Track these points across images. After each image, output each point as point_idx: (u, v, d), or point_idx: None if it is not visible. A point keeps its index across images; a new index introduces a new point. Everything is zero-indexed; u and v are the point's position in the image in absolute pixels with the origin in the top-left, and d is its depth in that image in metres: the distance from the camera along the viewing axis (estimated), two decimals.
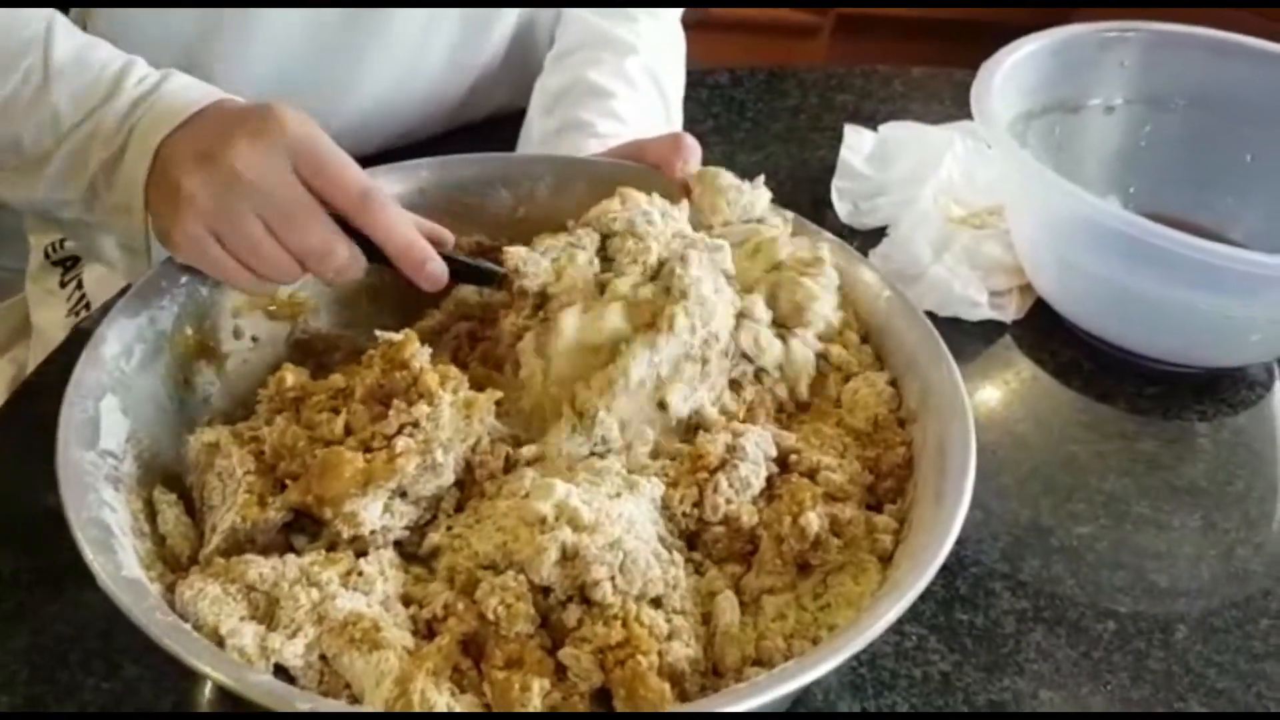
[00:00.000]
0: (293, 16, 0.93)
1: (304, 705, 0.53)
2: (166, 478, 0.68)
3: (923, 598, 0.58)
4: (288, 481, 0.65)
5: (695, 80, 1.13)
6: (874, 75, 1.28)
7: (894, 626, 0.56)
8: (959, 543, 0.59)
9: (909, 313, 0.74)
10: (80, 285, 1.05)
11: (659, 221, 0.73)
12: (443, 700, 0.56)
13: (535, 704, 0.56)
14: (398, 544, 0.65)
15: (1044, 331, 0.97)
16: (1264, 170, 1.04)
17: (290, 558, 0.62)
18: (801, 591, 0.63)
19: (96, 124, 0.72)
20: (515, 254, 0.73)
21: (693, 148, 0.79)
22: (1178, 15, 1.07)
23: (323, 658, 0.58)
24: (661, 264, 0.72)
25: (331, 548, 0.64)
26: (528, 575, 0.60)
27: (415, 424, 0.65)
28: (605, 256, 0.74)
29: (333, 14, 0.94)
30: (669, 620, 0.60)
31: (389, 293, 0.77)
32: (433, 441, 0.64)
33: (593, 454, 0.68)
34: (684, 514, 0.65)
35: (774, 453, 0.68)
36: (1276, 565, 0.81)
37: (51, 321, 1.05)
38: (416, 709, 0.55)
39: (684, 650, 0.59)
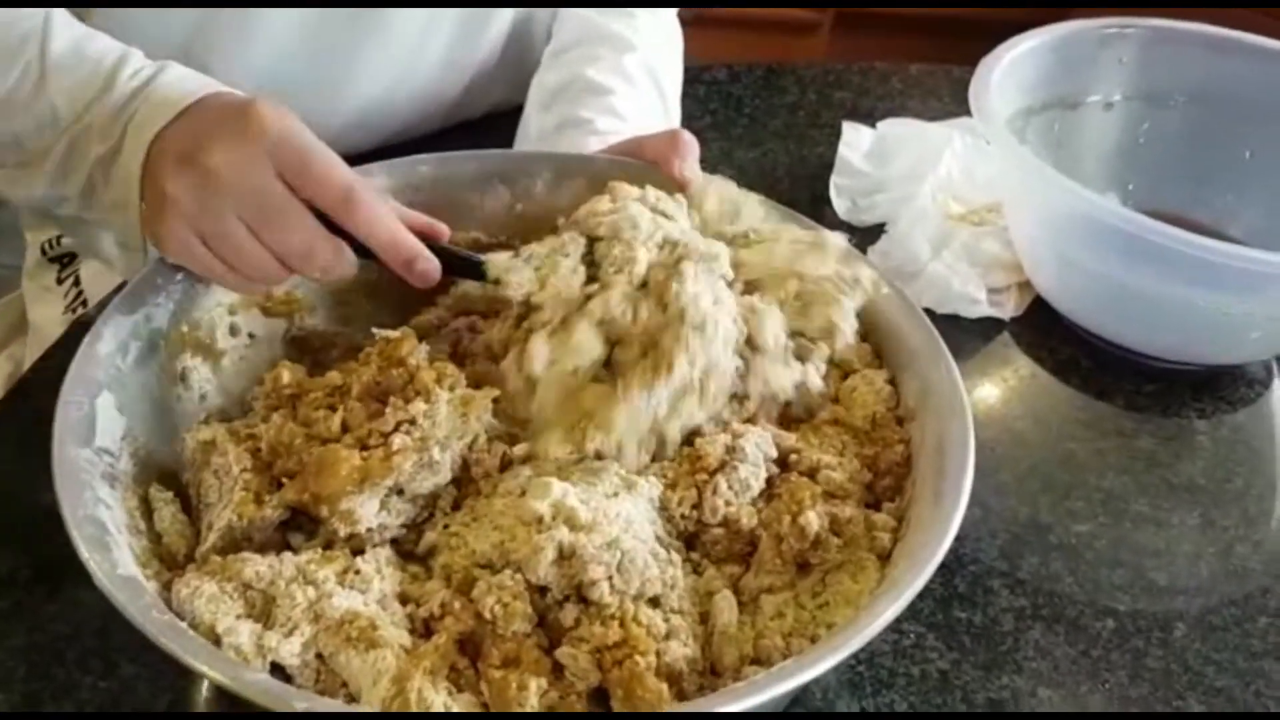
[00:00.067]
0: (290, 16, 0.92)
1: (301, 704, 0.53)
2: (163, 475, 0.68)
3: (921, 595, 0.58)
4: (284, 479, 0.65)
5: (693, 76, 1.13)
6: (872, 72, 1.28)
7: (892, 625, 0.56)
8: (957, 540, 0.59)
9: (907, 310, 0.74)
10: (77, 282, 1.05)
11: (646, 226, 0.70)
12: (440, 699, 0.56)
13: (532, 703, 0.56)
14: (394, 542, 0.65)
15: (1043, 329, 0.97)
16: (1263, 167, 1.04)
17: (287, 556, 0.62)
18: (800, 590, 0.63)
19: (93, 119, 0.72)
20: (498, 263, 0.70)
21: (691, 144, 0.79)
22: (1177, 12, 1.06)
23: (319, 656, 0.58)
24: (650, 271, 0.69)
25: (328, 546, 0.64)
26: (525, 575, 0.60)
27: (412, 421, 0.65)
28: (592, 261, 0.70)
29: (330, 13, 0.94)
30: (667, 620, 0.59)
31: (387, 289, 0.77)
32: (429, 439, 0.64)
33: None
34: (682, 516, 0.65)
35: (774, 454, 0.68)
36: (1275, 563, 0.81)
37: (48, 318, 1.05)
38: (413, 708, 0.55)
39: (682, 650, 0.59)
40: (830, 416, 0.72)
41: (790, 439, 0.69)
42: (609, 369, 0.68)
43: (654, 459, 0.68)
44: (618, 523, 0.61)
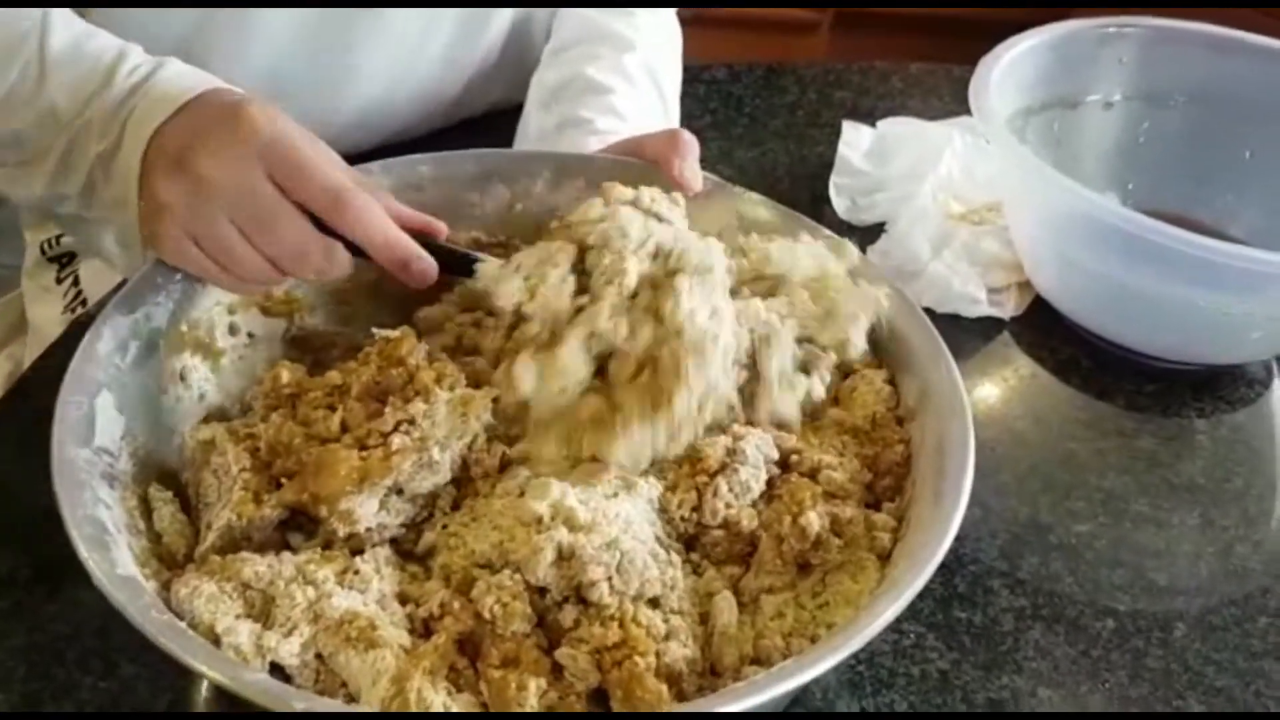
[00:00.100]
0: (289, 16, 0.92)
1: (300, 704, 0.53)
2: (162, 475, 0.68)
3: (921, 595, 0.58)
4: (283, 479, 0.65)
5: (693, 76, 1.13)
6: (872, 71, 1.28)
7: (892, 625, 0.56)
8: (957, 540, 0.59)
9: (907, 310, 0.74)
10: (76, 281, 1.05)
11: (637, 234, 0.68)
12: (439, 699, 0.56)
13: (532, 703, 0.56)
14: (394, 542, 0.65)
15: (1043, 328, 0.97)
16: (1263, 167, 1.04)
17: (286, 555, 0.62)
18: (800, 590, 0.63)
19: (92, 115, 0.71)
20: (487, 272, 0.70)
21: (691, 144, 0.79)
22: (1177, 11, 1.06)
23: (319, 656, 0.58)
24: (642, 282, 0.68)
25: (327, 546, 0.64)
26: (524, 575, 0.59)
27: (411, 421, 0.65)
28: (583, 270, 0.69)
29: (329, 13, 0.94)
30: (666, 620, 0.59)
31: (388, 289, 0.77)
32: (429, 439, 0.64)
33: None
34: (682, 518, 0.65)
35: (775, 455, 0.67)
36: (1275, 563, 0.81)
37: (47, 318, 1.05)
38: (413, 708, 0.55)
39: (681, 651, 0.58)
40: (830, 417, 0.72)
41: (791, 440, 0.69)
42: (602, 378, 0.67)
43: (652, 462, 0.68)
44: (617, 523, 0.61)
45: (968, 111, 0.93)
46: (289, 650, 0.57)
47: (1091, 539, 0.81)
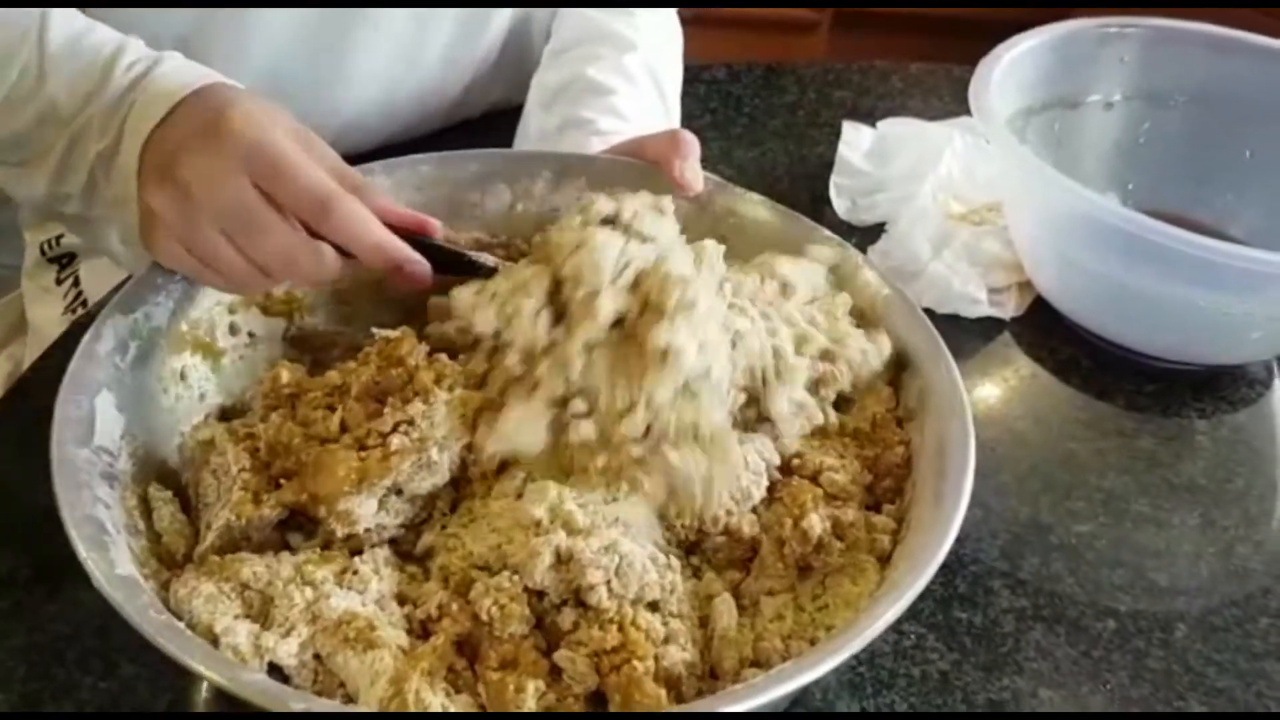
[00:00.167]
0: (289, 16, 0.92)
1: (298, 705, 0.53)
2: (162, 474, 0.68)
3: (922, 596, 0.58)
4: (283, 479, 0.65)
5: (692, 75, 1.13)
6: (872, 71, 1.28)
7: (893, 625, 0.56)
8: (958, 541, 0.59)
9: (908, 310, 0.74)
10: (76, 282, 1.05)
11: (611, 265, 0.64)
12: (437, 700, 0.56)
13: (530, 705, 0.56)
14: (392, 543, 0.65)
15: (1043, 329, 0.97)
16: (1263, 167, 1.04)
17: (285, 556, 0.62)
18: (800, 593, 0.63)
19: (92, 113, 0.71)
20: (463, 300, 0.68)
21: (692, 144, 0.79)
22: (1177, 11, 1.06)
23: (317, 657, 0.58)
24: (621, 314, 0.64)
25: (326, 546, 0.63)
26: (522, 578, 0.59)
27: (410, 422, 0.64)
28: (560, 294, 0.65)
29: (329, 12, 0.93)
30: (666, 624, 0.59)
31: (389, 289, 0.77)
32: (428, 439, 0.64)
33: None
34: (683, 525, 0.64)
35: (777, 460, 0.67)
36: (1276, 563, 0.80)
37: (47, 318, 1.05)
38: (411, 709, 0.55)
39: (680, 654, 0.58)
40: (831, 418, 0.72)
41: (793, 444, 0.69)
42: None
43: None
44: (616, 527, 0.61)
45: (968, 111, 0.93)
46: (287, 650, 0.57)
47: (1092, 539, 0.81)
